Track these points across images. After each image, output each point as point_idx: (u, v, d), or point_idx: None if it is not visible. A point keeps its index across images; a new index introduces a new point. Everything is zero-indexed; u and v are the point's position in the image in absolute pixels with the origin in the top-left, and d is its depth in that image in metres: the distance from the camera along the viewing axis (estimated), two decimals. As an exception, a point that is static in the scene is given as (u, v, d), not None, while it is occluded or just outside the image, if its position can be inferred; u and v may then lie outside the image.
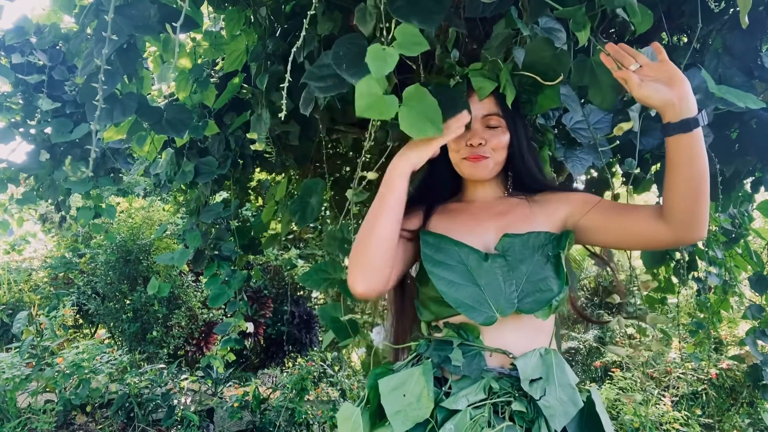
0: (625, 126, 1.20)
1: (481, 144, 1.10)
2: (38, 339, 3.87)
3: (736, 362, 3.72)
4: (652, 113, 1.29)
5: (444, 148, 1.13)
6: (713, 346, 4.02)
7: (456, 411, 0.97)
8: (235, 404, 3.66)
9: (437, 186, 1.23)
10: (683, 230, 0.98)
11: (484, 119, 1.11)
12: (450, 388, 1.02)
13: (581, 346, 4.94)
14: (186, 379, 4.17)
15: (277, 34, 1.59)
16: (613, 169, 1.91)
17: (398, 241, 1.06)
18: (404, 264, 1.13)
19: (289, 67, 1.10)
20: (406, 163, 1.02)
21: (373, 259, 1.01)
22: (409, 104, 0.93)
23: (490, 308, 1.01)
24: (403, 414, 0.98)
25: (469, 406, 0.97)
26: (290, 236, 4.87)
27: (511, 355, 1.02)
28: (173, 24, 0.96)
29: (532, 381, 0.97)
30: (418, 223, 1.15)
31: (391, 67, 0.88)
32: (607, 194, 1.93)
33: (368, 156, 2.49)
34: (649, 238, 1.04)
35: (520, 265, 1.03)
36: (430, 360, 1.05)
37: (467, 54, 1.29)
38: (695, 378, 3.97)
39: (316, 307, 5.97)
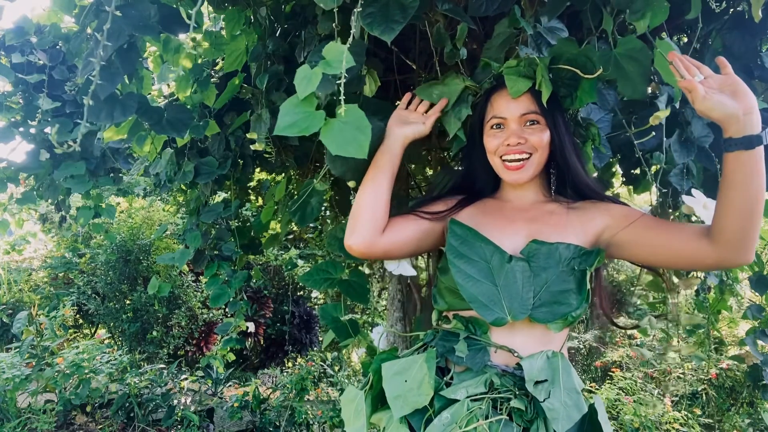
0: (661, 114, 1.19)
1: (520, 143, 1.06)
2: (38, 339, 3.87)
3: (736, 362, 3.72)
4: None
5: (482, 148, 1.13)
6: (713, 346, 4.02)
7: (454, 401, 0.98)
8: (235, 404, 3.65)
9: (477, 184, 1.21)
10: (730, 252, 0.94)
11: (522, 118, 1.08)
12: (452, 378, 1.04)
13: (581, 346, 4.93)
14: (186, 379, 4.17)
15: (277, 34, 1.59)
16: (613, 169, 1.91)
17: (414, 218, 1.15)
18: (414, 239, 1.14)
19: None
20: (398, 137, 1.16)
21: (362, 213, 1.10)
22: (342, 121, 0.96)
23: (502, 310, 1.01)
24: (402, 399, 0.99)
25: (468, 397, 0.98)
26: (290, 236, 4.88)
27: (516, 354, 1.03)
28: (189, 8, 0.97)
29: (537, 383, 0.97)
30: (443, 208, 1.16)
31: (315, 87, 0.92)
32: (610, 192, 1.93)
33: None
34: (690, 257, 0.99)
35: (542, 273, 1.02)
36: (434, 349, 1.07)
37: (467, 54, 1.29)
38: (695, 378, 3.97)
39: (316, 307, 5.97)
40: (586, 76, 1.03)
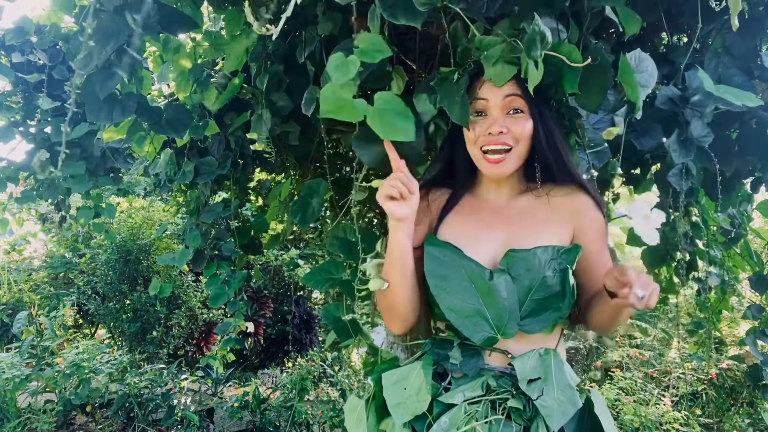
0: (614, 131, 1.19)
1: (501, 132, 1.02)
2: (38, 339, 3.87)
3: (736, 362, 3.72)
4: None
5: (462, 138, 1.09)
6: (714, 346, 4.02)
7: (452, 405, 0.99)
8: (235, 404, 3.65)
9: (456, 172, 1.16)
10: (591, 328, 1.11)
11: (506, 101, 1.03)
12: (450, 383, 1.04)
13: (581, 346, 4.93)
14: (186, 379, 4.17)
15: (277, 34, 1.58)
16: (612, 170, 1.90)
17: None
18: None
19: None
20: (392, 224, 1.00)
21: (398, 311, 1.07)
22: (383, 108, 0.94)
23: (491, 329, 1.00)
24: (403, 406, 1.00)
25: (465, 401, 0.98)
26: (290, 236, 4.87)
27: (509, 355, 1.02)
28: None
29: (530, 381, 0.98)
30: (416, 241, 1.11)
31: (353, 74, 0.91)
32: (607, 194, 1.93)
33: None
34: (581, 310, 1.12)
35: (525, 282, 1.01)
36: (430, 356, 1.07)
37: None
38: (695, 378, 3.97)
39: (317, 307, 5.97)
40: (574, 64, 0.98)
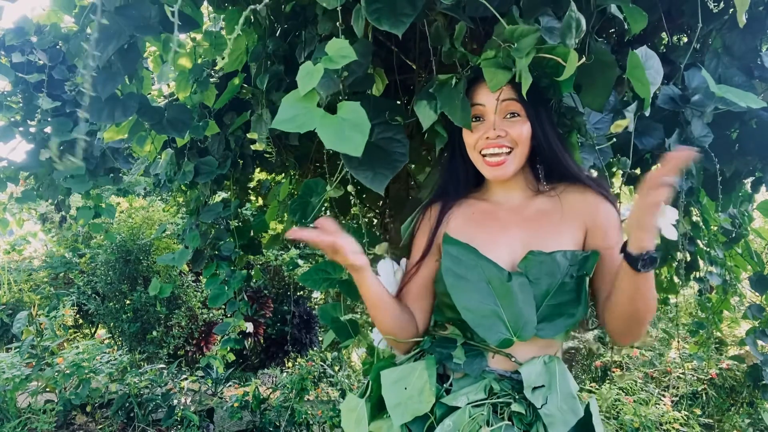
0: (623, 123, 1.19)
1: (499, 136, 1.03)
2: (38, 339, 3.86)
3: (736, 362, 3.72)
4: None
5: (461, 143, 1.10)
6: (714, 346, 4.02)
7: (455, 408, 0.98)
8: (235, 404, 3.65)
9: (456, 181, 1.16)
10: (612, 334, 1.03)
11: (502, 105, 1.03)
12: (451, 385, 1.03)
13: (581, 346, 4.93)
14: (186, 379, 4.17)
15: (277, 34, 1.59)
16: (613, 169, 1.90)
17: (416, 280, 1.13)
18: (432, 288, 1.13)
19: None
20: (354, 275, 1.02)
21: (390, 331, 1.09)
22: (342, 117, 0.93)
23: (507, 331, 0.98)
24: (403, 407, 0.98)
25: (468, 404, 0.97)
26: (290, 236, 4.86)
27: (513, 359, 1.02)
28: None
29: (534, 388, 0.97)
30: (425, 243, 1.13)
31: (316, 82, 0.90)
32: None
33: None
34: (600, 312, 1.07)
35: (542, 286, 0.99)
36: (433, 356, 1.06)
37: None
38: (695, 378, 3.97)
39: (316, 307, 5.97)
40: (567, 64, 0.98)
